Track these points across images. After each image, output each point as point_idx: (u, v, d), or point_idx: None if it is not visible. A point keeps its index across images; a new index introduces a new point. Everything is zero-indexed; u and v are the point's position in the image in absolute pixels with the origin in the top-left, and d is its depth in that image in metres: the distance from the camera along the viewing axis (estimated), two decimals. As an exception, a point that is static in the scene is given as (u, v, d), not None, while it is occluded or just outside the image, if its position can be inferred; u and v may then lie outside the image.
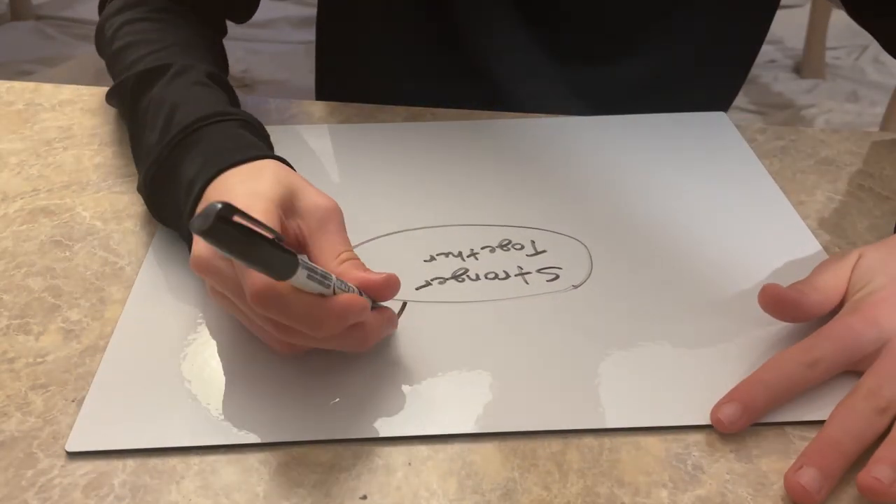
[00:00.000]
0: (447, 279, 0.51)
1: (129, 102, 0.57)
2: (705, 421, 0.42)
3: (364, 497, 0.39)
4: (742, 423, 0.41)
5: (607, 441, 0.41)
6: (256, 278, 0.38)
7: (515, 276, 0.51)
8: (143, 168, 0.52)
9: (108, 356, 0.45)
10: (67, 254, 0.53)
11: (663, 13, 0.69)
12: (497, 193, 0.59)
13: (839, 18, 2.39)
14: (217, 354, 0.46)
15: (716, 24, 0.71)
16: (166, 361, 0.45)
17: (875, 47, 2.37)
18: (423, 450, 0.41)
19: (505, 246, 0.54)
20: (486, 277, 0.51)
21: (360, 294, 0.42)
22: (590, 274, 0.52)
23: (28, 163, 0.62)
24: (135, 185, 0.60)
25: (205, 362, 0.45)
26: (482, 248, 0.54)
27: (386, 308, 0.45)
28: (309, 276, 0.38)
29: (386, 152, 0.63)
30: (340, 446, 0.41)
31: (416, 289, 0.50)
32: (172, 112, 0.52)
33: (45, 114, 0.68)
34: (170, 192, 0.50)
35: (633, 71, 0.72)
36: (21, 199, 0.58)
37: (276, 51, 2.27)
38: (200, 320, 0.48)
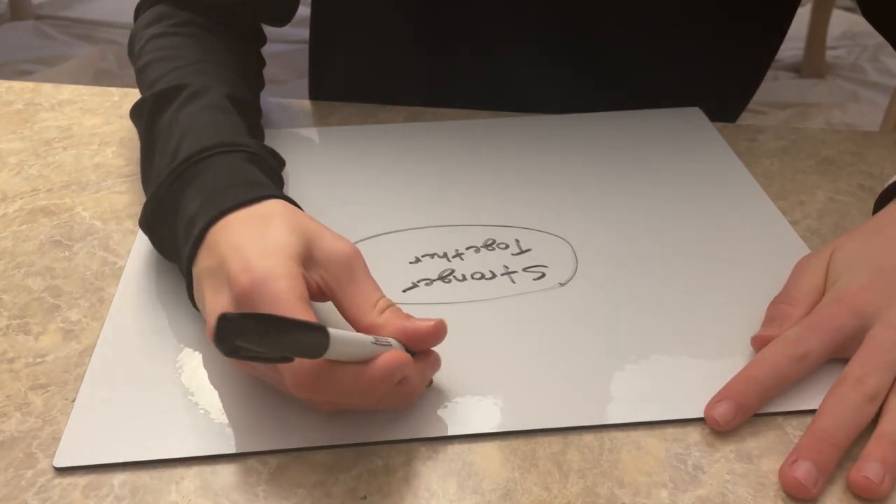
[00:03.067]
0: (434, 280, 0.51)
1: (145, 124, 0.53)
2: (703, 414, 0.42)
3: (364, 497, 0.39)
4: (737, 421, 0.42)
5: (607, 441, 0.41)
6: (293, 367, 0.37)
7: (502, 275, 0.51)
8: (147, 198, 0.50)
9: (95, 364, 0.45)
10: (67, 254, 0.53)
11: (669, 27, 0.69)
12: (479, 193, 0.59)
13: (839, 18, 2.39)
14: (211, 359, 0.45)
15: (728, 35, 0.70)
16: (157, 369, 0.44)
17: (875, 47, 2.38)
18: (423, 450, 0.41)
19: (490, 245, 0.54)
20: (473, 278, 0.51)
21: (400, 344, 0.40)
22: (575, 271, 0.52)
23: (28, 163, 0.62)
24: (134, 184, 0.60)
25: (198, 367, 0.45)
26: (467, 249, 0.54)
27: (429, 352, 0.42)
28: (343, 344, 0.36)
29: (364, 155, 0.63)
30: (340, 447, 0.41)
31: (403, 291, 0.50)
32: (181, 140, 0.49)
33: (45, 113, 0.68)
34: (169, 226, 0.47)
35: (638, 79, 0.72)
36: (21, 198, 0.58)
37: (276, 51, 2.27)
38: (191, 324, 0.47)
